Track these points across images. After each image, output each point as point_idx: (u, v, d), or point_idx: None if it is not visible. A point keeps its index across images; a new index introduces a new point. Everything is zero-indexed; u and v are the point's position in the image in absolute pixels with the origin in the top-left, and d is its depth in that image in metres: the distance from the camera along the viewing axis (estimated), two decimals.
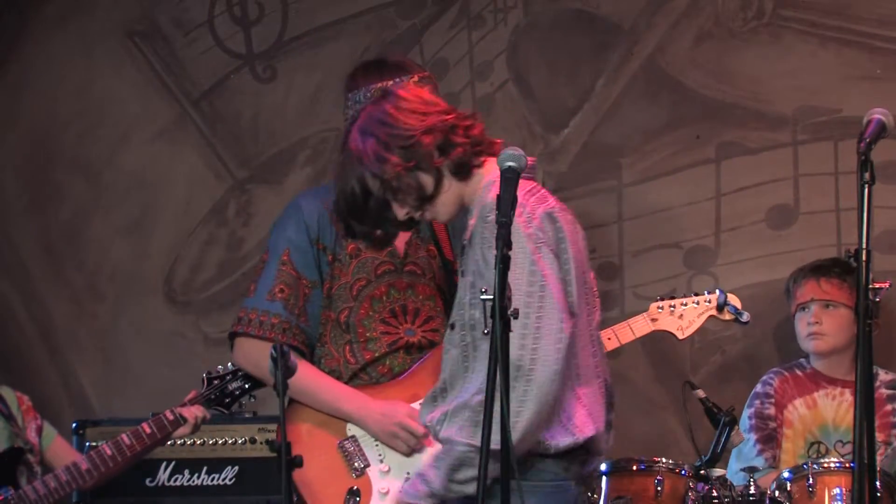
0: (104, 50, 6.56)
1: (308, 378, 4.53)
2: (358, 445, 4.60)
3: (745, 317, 4.96)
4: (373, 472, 4.59)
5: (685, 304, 4.96)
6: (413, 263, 4.74)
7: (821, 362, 5.47)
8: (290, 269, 4.62)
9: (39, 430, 5.34)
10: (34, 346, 6.56)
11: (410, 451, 4.61)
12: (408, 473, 4.59)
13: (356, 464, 4.59)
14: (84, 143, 6.57)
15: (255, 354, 4.60)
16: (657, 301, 4.98)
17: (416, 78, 4.70)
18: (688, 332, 4.96)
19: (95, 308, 6.50)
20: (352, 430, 4.61)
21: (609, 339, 4.86)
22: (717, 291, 4.98)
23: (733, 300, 4.97)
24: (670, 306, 4.94)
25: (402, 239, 4.74)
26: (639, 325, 4.92)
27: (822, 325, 5.38)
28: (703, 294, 5.01)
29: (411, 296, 4.72)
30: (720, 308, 4.95)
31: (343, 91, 4.78)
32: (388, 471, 4.60)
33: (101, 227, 6.54)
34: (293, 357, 3.90)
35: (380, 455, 4.61)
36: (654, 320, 4.93)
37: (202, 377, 5.03)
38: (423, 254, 4.77)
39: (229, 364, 5.06)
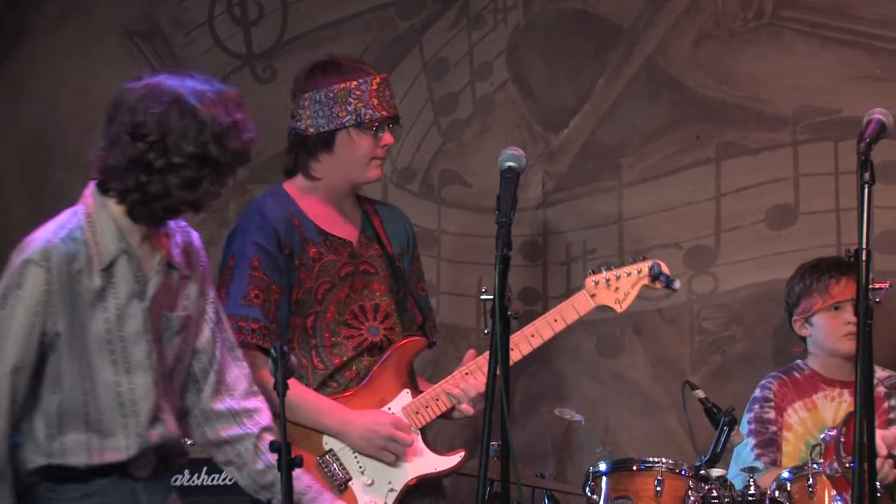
0: (104, 49, 6.56)
1: (291, 388, 4.51)
2: (337, 459, 4.57)
3: (676, 284, 4.84)
4: (356, 486, 4.57)
5: (618, 277, 4.83)
6: (366, 262, 4.74)
7: (819, 364, 5.45)
8: (262, 274, 4.58)
9: None
10: None
11: (396, 461, 4.60)
12: (390, 483, 4.58)
13: (338, 479, 4.56)
14: (84, 143, 6.54)
15: None
16: (591, 275, 4.84)
17: (378, 79, 4.70)
18: (625, 305, 4.84)
19: None
20: (329, 442, 4.58)
21: (556, 320, 4.77)
22: (650, 262, 4.87)
23: (664, 269, 4.85)
24: (605, 279, 4.82)
25: (354, 238, 4.74)
26: (580, 303, 4.81)
27: None
28: (634, 263, 4.88)
29: (367, 295, 4.71)
30: (653, 279, 4.85)
31: (296, 91, 4.76)
32: (372, 483, 4.58)
33: None
34: (293, 358, 3.90)
35: (360, 467, 4.58)
36: (593, 296, 4.83)
37: None
38: (373, 252, 4.77)
39: None
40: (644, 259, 4.88)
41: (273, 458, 4.01)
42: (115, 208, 3.89)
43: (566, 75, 6.15)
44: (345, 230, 4.73)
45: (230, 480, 5.48)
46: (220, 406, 4.10)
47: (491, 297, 3.71)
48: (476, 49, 6.25)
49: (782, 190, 5.91)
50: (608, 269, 4.85)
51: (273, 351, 3.83)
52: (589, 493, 4.82)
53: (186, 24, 6.53)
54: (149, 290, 3.89)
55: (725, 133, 5.97)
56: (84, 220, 3.89)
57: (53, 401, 3.82)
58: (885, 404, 5.39)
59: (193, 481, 5.51)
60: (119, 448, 3.85)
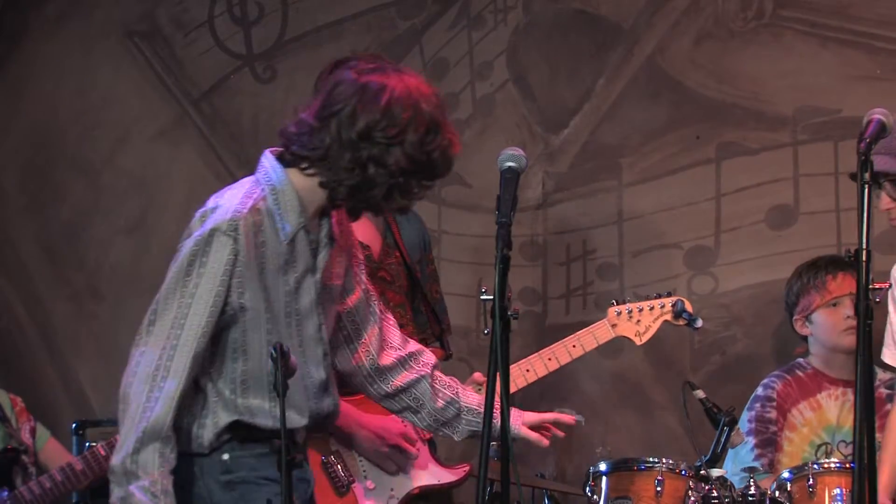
0: (104, 50, 6.57)
1: None
2: (342, 461, 4.57)
3: (699, 323, 4.91)
4: (358, 489, 4.56)
5: (641, 310, 4.90)
6: (384, 270, 4.73)
7: (822, 362, 5.46)
8: None
9: (33, 432, 5.35)
10: (34, 347, 6.56)
11: (397, 471, 4.59)
12: (392, 490, 4.57)
13: (340, 481, 4.55)
14: (84, 143, 6.57)
15: None
16: (614, 306, 4.92)
17: None
18: (645, 338, 4.93)
19: (95, 308, 6.50)
20: (335, 443, 4.58)
21: (574, 346, 4.82)
22: (674, 298, 4.93)
23: (688, 307, 4.92)
24: (628, 311, 4.89)
25: (377, 244, 4.73)
26: (601, 332, 4.87)
27: None
28: (658, 297, 4.96)
29: (384, 301, 4.72)
30: (676, 315, 4.91)
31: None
32: (374, 489, 4.57)
33: (101, 227, 6.54)
34: (293, 357, 3.90)
35: (364, 471, 4.58)
36: (613, 325, 4.88)
37: None
38: (393, 260, 4.76)
39: None
40: (669, 294, 4.95)
41: (451, 392, 4.08)
42: (297, 181, 3.80)
43: (566, 75, 6.15)
44: (365, 233, 4.71)
45: None
46: (387, 360, 4.08)
47: (491, 297, 3.71)
48: (476, 49, 6.25)
49: (782, 190, 5.91)
50: (632, 301, 4.92)
51: (273, 351, 3.83)
52: (589, 493, 4.81)
53: (186, 24, 6.53)
54: (319, 263, 3.86)
55: (725, 133, 5.97)
56: (268, 192, 3.81)
57: (237, 367, 3.80)
58: (888, 406, 5.39)
59: None
60: (301, 417, 3.84)
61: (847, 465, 4.76)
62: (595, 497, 4.81)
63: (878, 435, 4.83)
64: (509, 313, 3.72)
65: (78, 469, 5.06)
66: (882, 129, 3.83)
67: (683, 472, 4.77)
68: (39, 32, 6.62)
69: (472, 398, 4.15)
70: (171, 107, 6.51)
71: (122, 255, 6.49)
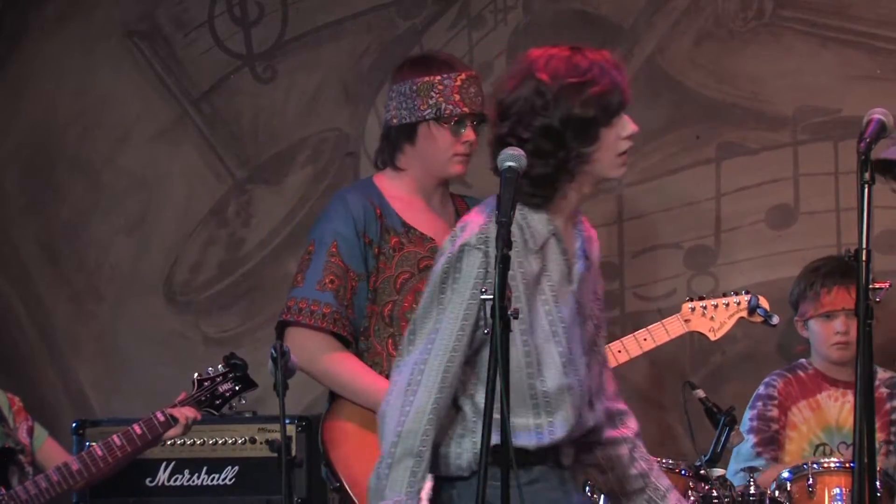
0: (104, 50, 6.56)
1: (359, 375, 4.55)
2: None
3: (775, 319, 5.03)
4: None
5: (716, 306, 5.05)
6: None
7: (823, 364, 5.45)
8: (339, 260, 4.63)
9: (31, 431, 5.34)
10: (34, 346, 6.56)
11: None
12: None
13: None
14: (84, 143, 6.56)
15: (309, 344, 4.59)
16: (688, 301, 5.07)
17: (463, 76, 4.71)
18: (719, 334, 5.07)
19: (95, 308, 6.50)
20: None
21: (645, 339, 4.94)
22: (748, 294, 5.05)
23: (763, 303, 5.05)
24: (702, 307, 5.02)
25: (444, 235, 4.75)
26: (673, 326, 5.00)
27: (850, 333, 5.30)
28: (733, 295, 5.10)
29: None
30: (751, 311, 5.02)
31: (390, 83, 4.80)
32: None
33: (101, 227, 6.54)
34: (293, 357, 3.90)
35: None
36: (687, 321, 5.02)
37: (192, 379, 5.04)
38: None
39: (219, 366, 5.06)
40: (746, 293, 5.09)
41: (647, 466, 3.96)
42: None
43: None
44: (430, 226, 4.75)
45: (230, 480, 5.48)
46: (598, 407, 3.93)
47: (491, 297, 3.71)
48: (476, 49, 6.25)
49: (782, 190, 5.91)
50: (706, 298, 5.08)
51: (273, 351, 3.83)
52: (589, 493, 4.81)
53: (186, 24, 6.53)
54: (574, 274, 3.84)
55: (725, 133, 5.97)
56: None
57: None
58: (888, 405, 5.39)
59: (193, 481, 5.51)
60: (564, 427, 3.74)
61: (847, 465, 4.76)
62: (595, 497, 4.80)
63: (878, 435, 4.83)
64: (509, 313, 3.72)
65: (74, 469, 5.05)
66: (882, 129, 3.82)
67: (683, 472, 4.77)
68: (39, 32, 6.62)
69: (662, 481, 4.02)
70: (171, 107, 6.51)
71: (122, 255, 6.49)
